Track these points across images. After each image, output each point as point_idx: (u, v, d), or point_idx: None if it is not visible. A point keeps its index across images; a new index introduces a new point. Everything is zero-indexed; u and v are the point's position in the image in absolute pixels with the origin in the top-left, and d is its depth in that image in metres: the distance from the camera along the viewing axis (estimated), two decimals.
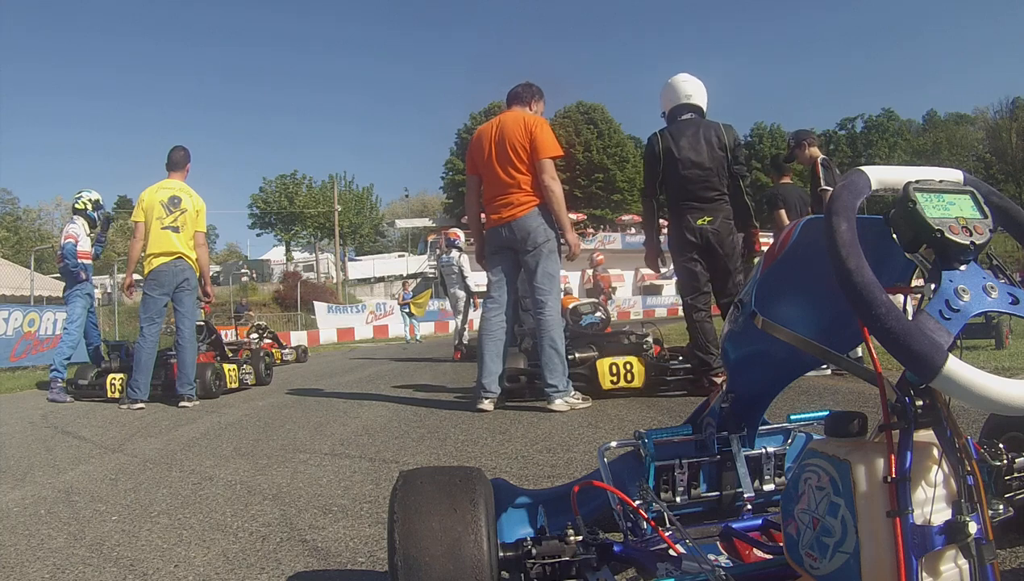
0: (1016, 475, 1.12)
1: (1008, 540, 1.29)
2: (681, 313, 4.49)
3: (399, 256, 42.33)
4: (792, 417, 1.39)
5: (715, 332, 4.01)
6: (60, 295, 7.62)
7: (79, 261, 5.96)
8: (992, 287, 0.78)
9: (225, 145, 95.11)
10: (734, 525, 1.19)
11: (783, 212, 5.13)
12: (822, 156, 4.84)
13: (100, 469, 2.80)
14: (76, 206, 6.19)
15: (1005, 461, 1.09)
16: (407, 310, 17.53)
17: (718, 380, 3.84)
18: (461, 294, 9.07)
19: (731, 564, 1.08)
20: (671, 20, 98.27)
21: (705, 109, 4.17)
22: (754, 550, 1.12)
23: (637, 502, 1.20)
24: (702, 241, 3.99)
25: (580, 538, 1.07)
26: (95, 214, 6.25)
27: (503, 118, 3.93)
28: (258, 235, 47.17)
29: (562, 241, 3.92)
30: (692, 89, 4.15)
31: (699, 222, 3.99)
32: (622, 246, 36.60)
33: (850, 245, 0.74)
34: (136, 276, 5.19)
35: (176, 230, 4.99)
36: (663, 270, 4.33)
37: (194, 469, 2.70)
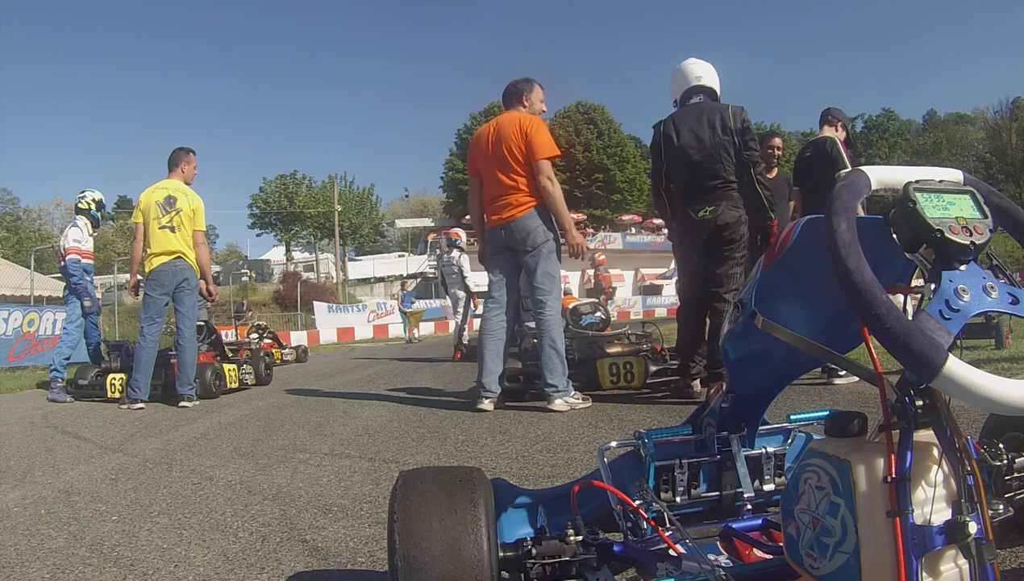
0: (1016, 475, 1.12)
1: (1008, 540, 1.29)
2: None
3: (399, 256, 42.27)
4: (792, 417, 1.39)
5: (701, 336, 3.81)
6: (60, 295, 7.62)
7: (82, 264, 5.95)
8: (992, 287, 0.78)
9: (225, 145, 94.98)
10: (734, 525, 1.19)
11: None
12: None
13: (100, 469, 2.80)
14: (79, 206, 6.15)
15: (1005, 461, 1.09)
16: (408, 307, 17.67)
17: (695, 383, 3.78)
18: (461, 294, 9.06)
19: (731, 564, 1.08)
20: (671, 20, 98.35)
21: (718, 91, 3.84)
22: (754, 550, 1.12)
23: (637, 502, 1.20)
24: (704, 234, 3.66)
25: (580, 538, 1.07)
26: (98, 214, 6.25)
27: (500, 120, 3.93)
28: (258, 235, 47.27)
29: (562, 241, 3.91)
30: (700, 71, 3.83)
31: (701, 214, 3.64)
32: (622, 246, 36.57)
33: (850, 245, 0.74)
34: (139, 276, 5.20)
35: (172, 230, 4.99)
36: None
37: (194, 469, 2.70)
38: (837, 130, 4.49)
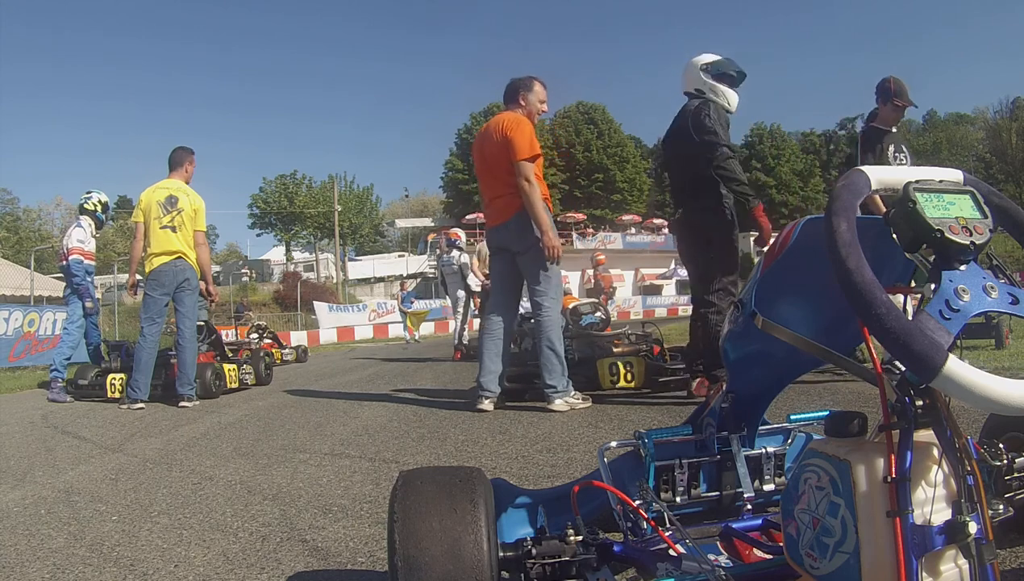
0: (1016, 475, 1.12)
1: (1008, 540, 1.29)
2: (681, 313, 4.40)
3: (399, 256, 42.31)
4: (792, 417, 1.39)
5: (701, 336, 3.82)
6: (60, 295, 7.61)
7: (84, 264, 5.95)
8: (992, 287, 0.78)
9: (225, 145, 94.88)
10: (734, 525, 1.19)
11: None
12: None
13: (100, 469, 2.80)
14: (85, 206, 6.13)
15: (1005, 461, 1.09)
16: (408, 307, 17.65)
17: (694, 383, 3.77)
18: (461, 294, 9.07)
19: (731, 564, 1.08)
20: (671, 20, 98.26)
21: (702, 88, 3.72)
22: (754, 550, 1.12)
23: (637, 502, 1.20)
24: (685, 234, 3.86)
25: (580, 538, 1.07)
26: (103, 216, 6.24)
27: (490, 122, 3.97)
28: (258, 235, 47.27)
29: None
30: (683, 76, 3.86)
31: (677, 215, 3.92)
32: (622, 246, 36.59)
33: (850, 245, 0.74)
34: (138, 276, 5.20)
35: (173, 229, 4.98)
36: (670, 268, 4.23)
37: (194, 469, 2.70)
38: (883, 107, 4.48)
